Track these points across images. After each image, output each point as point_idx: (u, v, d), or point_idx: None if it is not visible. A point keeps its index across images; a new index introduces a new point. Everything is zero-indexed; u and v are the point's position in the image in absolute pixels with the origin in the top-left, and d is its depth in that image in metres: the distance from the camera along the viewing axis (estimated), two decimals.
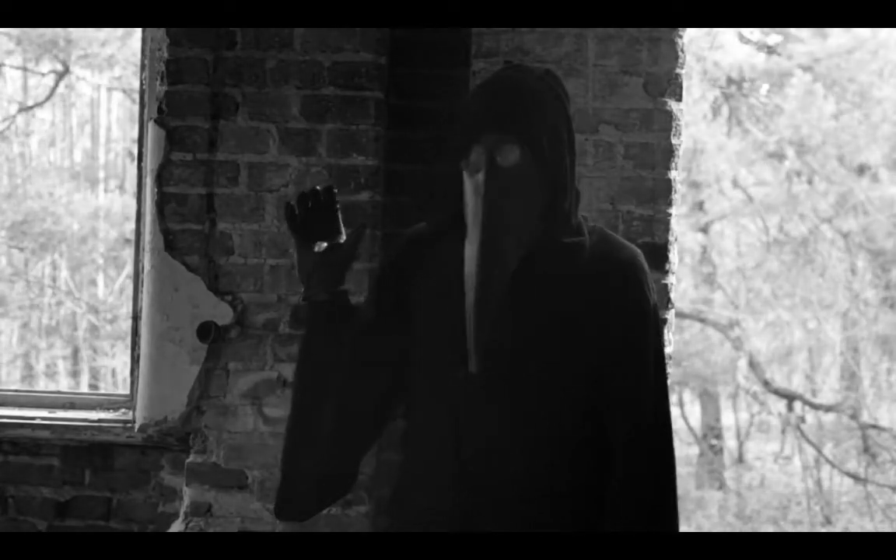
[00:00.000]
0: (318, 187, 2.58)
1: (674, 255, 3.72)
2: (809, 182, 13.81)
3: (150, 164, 3.89)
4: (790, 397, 14.33)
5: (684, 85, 3.71)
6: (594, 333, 2.44)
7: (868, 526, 13.25)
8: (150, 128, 3.88)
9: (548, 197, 2.45)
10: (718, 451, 14.98)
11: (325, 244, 2.55)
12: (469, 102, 2.51)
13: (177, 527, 3.88)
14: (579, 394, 2.45)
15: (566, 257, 2.46)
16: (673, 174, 3.68)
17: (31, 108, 13.96)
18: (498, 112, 2.43)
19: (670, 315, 3.70)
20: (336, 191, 2.58)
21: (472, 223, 2.42)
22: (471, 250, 2.42)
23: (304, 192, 2.56)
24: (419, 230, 2.61)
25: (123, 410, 4.09)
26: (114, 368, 13.86)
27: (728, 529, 13.25)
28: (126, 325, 12.05)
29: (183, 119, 3.83)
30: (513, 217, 2.42)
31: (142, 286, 3.94)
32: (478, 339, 2.39)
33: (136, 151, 4.13)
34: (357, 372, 2.55)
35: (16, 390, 4.41)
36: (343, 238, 2.59)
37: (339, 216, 2.58)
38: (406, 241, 2.61)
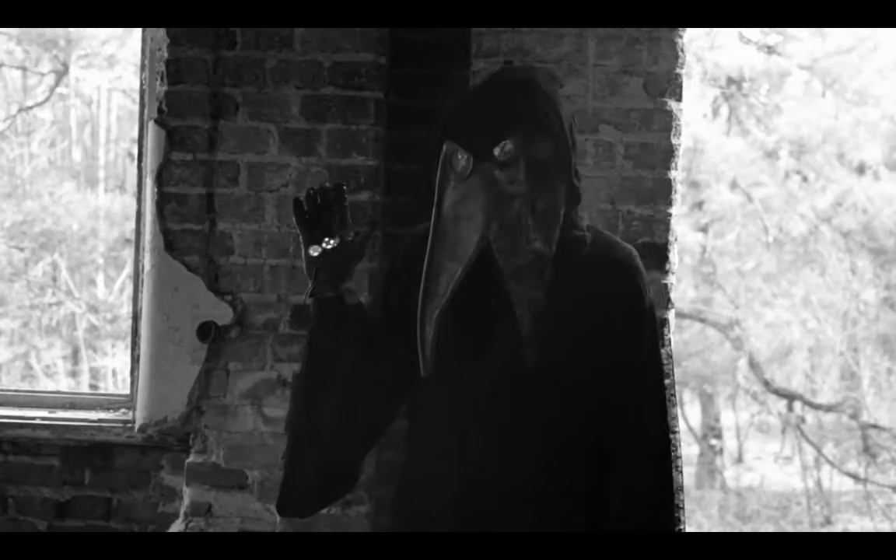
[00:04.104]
0: (327, 184, 2.57)
1: (674, 255, 3.72)
2: (809, 181, 13.81)
3: (150, 164, 3.89)
4: (790, 397, 14.32)
5: (684, 85, 3.71)
6: (593, 333, 2.45)
7: (868, 526, 13.25)
8: (150, 128, 3.88)
9: (567, 188, 2.47)
10: (718, 451, 14.98)
11: (332, 241, 2.55)
12: (480, 102, 2.50)
13: (177, 527, 3.88)
14: (581, 393, 2.45)
15: (570, 251, 2.47)
16: (673, 174, 3.68)
17: (31, 108, 13.95)
18: (527, 107, 2.44)
19: (670, 315, 3.70)
20: (346, 188, 2.57)
21: (507, 219, 2.41)
22: (504, 245, 2.41)
23: (313, 189, 2.55)
24: (423, 230, 2.61)
25: (123, 410, 4.09)
26: (114, 368, 13.85)
27: (728, 529, 13.25)
28: (126, 325, 12.05)
29: (183, 119, 3.83)
30: (552, 208, 2.43)
31: (142, 286, 3.94)
32: (533, 334, 2.39)
33: (136, 151, 4.13)
34: (361, 370, 2.55)
35: (16, 390, 4.41)
36: (341, 240, 2.58)
37: (348, 214, 2.58)
38: (410, 241, 2.61)
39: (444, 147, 2.45)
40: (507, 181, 2.41)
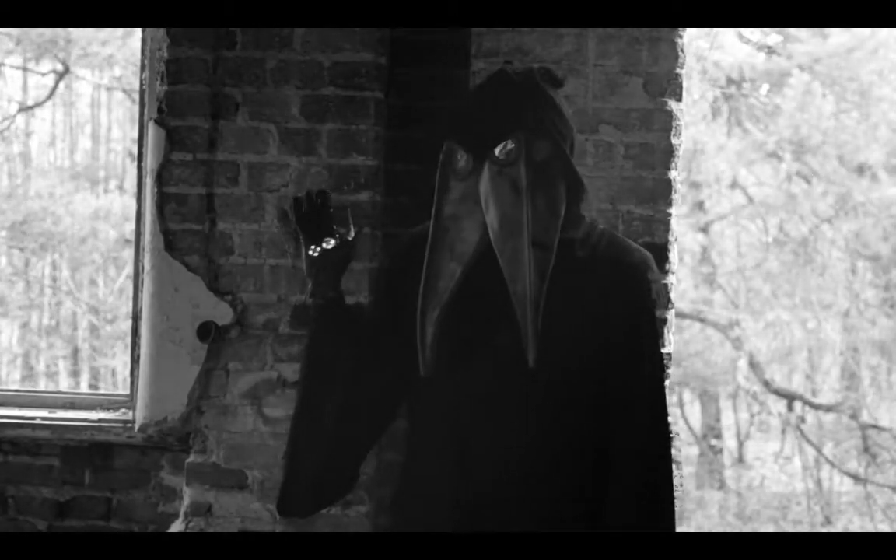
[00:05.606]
0: (312, 191, 2.59)
1: (674, 255, 3.72)
2: (809, 182, 13.81)
3: (150, 164, 3.89)
4: (790, 397, 14.33)
5: (684, 85, 3.71)
6: (597, 333, 2.45)
7: (868, 526, 13.25)
8: (150, 128, 3.88)
9: (569, 187, 2.47)
10: (718, 451, 14.98)
11: (328, 244, 2.56)
12: (480, 102, 2.51)
13: (177, 527, 3.88)
14: (582, 393, 2.45)
15: (573, 251, 2.47)
16: (673, 174, 3.68)
17: (31, 108, 13.97)
18: (526, 108, 2.44)
19: (670, 315, 3.70)
20: (328, 193, 2.59)
21: (507, 218, 2.41)
22: (504, 245, 2.41)
23: (298, 197, 2.59)
24: (423, 230, 2.61)
25: (123, 410, 4.09)
26: (114, 368, 13.85)
27: (728, 529, 13.25)
28: (126, 325, 12.05)
29: (183, 119, 3.83)
30: (552, 207, 2.43)
31: (142, 286, 3.94)
32: (535, 333, 2.39)
33: (136, 151, 4.13)
34: (360, 371, 2.55)
35: (16, 390, 4.41)
36: (340, 239, 2.59)
37: (335, 217, 2.59)
38: (408, 241, 2.62)
39: (444, 146, 2.46)
40: (508, 181, 2.42)
